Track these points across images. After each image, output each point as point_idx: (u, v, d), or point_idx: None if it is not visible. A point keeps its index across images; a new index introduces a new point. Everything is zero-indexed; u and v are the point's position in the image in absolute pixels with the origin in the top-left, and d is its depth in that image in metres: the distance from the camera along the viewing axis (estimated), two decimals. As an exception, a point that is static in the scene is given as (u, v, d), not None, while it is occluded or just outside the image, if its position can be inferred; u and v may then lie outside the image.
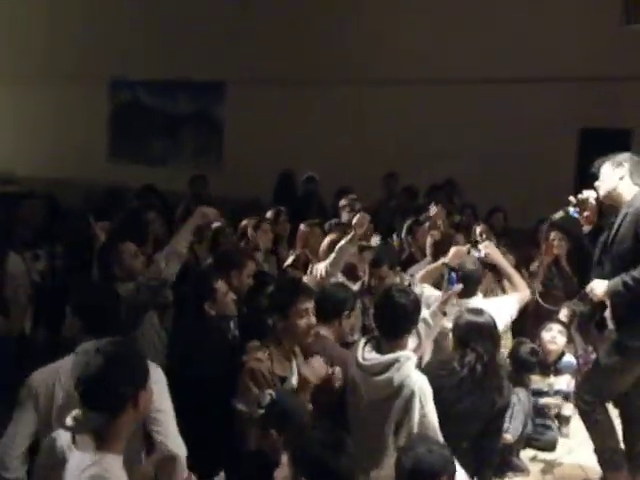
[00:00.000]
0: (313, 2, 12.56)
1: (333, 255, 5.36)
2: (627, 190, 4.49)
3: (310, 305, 3.98)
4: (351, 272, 5.74)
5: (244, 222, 6.76)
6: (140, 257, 4.77)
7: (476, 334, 4.31)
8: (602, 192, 4.60)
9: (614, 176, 4.50)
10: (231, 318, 4.75)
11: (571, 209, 4.89)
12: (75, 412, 2.49)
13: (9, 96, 16.77)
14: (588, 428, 4.79)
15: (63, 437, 2.55)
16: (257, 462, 3.37)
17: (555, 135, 10.05)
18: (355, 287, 5.60)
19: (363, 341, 4.06)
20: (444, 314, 4.26)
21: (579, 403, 4.81)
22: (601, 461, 4.77)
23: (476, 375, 4.24)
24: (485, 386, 4.29)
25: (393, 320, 3.97)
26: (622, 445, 4.77)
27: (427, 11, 11.34)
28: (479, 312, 4.44)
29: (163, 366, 3.46)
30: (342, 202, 8.06)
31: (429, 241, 6.56)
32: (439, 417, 3.86)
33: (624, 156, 4.54)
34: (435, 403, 3.87)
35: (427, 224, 6.96)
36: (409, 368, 3.83)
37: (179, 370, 3.90)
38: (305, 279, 5.70)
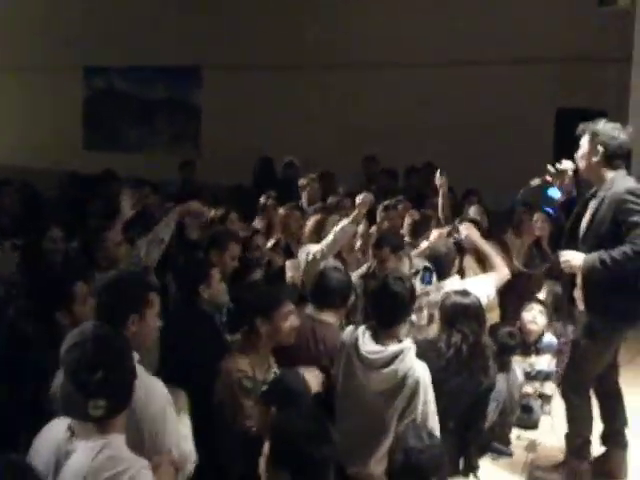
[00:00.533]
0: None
1: (331, 236, 5.34)
2: (605, 170, 4.45)
3: (292, 307, 3.92)
4: (338, 254, 5.70)
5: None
6: (123, 245, 4.75)
7: (462, 315, 4.36)
8: (581, 166, 4.56)
9: (594, 155, 4.45)
10: (223, 306, 4.72)
11: (550, 191, 4.90)
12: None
13: (-19, 85, 16.58)
14: (567, 411, 4.82)
15: (58, 429, 2.52)
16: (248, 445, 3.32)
17: (533, 116, 10.10)
18: (362, 269, 5.61)
19: (362, 329, 4.02)
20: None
21: (563, 392, 4.84)
22: (570, 446, 4.77)
23: (462, 356, 4.31)
24: (471, 366, 4.37)
25: (389, 309, 3.95)
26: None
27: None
28: (465, 293, 4.49)
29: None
30: (302, 181, 8.07)
31: (407, 221, 6.58)
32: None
33: (606, 134, 4.43)
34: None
35: (401, 206, 6.92)
36: (411, 358, 3.84)
37: (171, 358, 3.87)
38: (287, 264, 5.71)
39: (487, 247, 5.41)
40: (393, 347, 3.85)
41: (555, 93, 10.02)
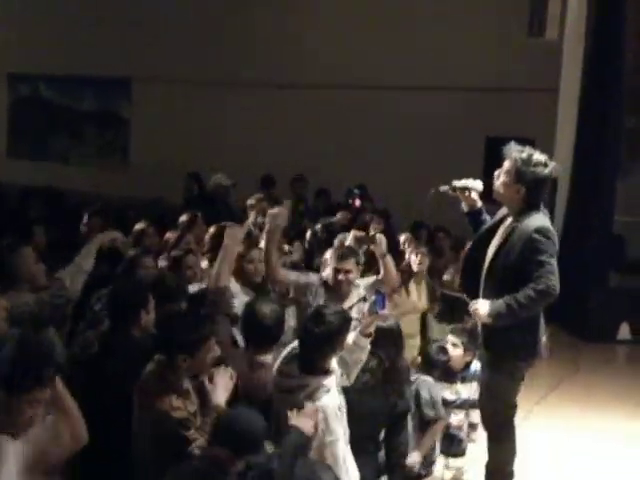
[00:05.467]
0: (220, 2, 12.41)
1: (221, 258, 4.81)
2: (518, 202, 4.40)
3: (214, 340, 3.70)
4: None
5: (169, 234, 6.43)
6: (41, 264, 4.56)
7: (380, 339, 4.35)
8: (497, 186, 4.43)
9: (513, 190, 4.36)
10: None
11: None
12: None
13: None
14: (488, 442, 4.76)
15: None
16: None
17: (462, 143, 10.24)
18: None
19: (286, 351, 3.97)
20: (369, 335, 4.14)
21: (485, 425, 4.84)
22: (490, 478, 4.72)
23: (377, 380, 4.44)
24: (386, 390, 4.53)
25: (309, 348, 3.84)
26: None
27: (339, 16, 11.42)
28: (385, 317, 4.45)
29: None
30: (250, 201, 7.89)
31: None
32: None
33: (529, 165, 4.32)
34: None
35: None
36: (319, 395, 3.74)
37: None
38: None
39: (389, 262, 5.34)
40: (302, 380, 3.77)
41: (484, 122, 10.19)
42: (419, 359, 5.94)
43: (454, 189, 4.70)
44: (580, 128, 9.74)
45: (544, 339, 4.57)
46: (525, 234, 4.30)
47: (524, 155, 4.35)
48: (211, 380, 3.73)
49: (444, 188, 4.74)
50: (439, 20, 10.54)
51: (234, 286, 5.09)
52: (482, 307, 4.34)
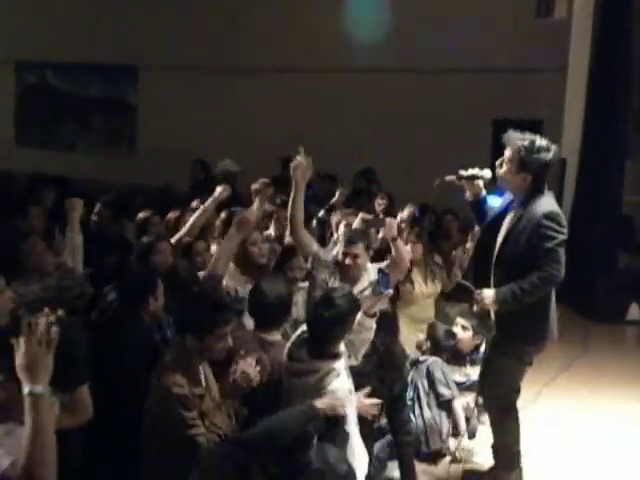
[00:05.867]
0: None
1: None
2: (524, 188, 4.41)
3: (228, 328, 3.69)
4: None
5: (170, 215, 6.36)
6: (49, 252, 4.58)
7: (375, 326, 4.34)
8: (502, 173, 4.42)
9: (518, 178, 4.37)
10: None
11: (489, 199, 4.85)
12: None
13: None
14: (492, 425, 4.85)
15: None
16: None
17: (469, 125, 10.19)
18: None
19: (296, 335, 3.97)
20: (374, 315, 4.13)
21: (486, 406, 4.87)
22: (497, 458, 4.83)
23: (372, 365, 4.41)
24: (381, 375, 4.51)
25: (318, 332, 3.84)
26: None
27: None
28: (389, 296, 4.38)
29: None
30: (255, 186, 7.86)
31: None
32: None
33: (532, 151, 4.30)
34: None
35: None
36: (330, 379, 3.76)
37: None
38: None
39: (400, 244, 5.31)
40: (315, 364, 3.78)
41: (492, 103, 10.13)
42: (428, 343, 5.95)
43: (460, 178, 4.70)
44: (588, 108, 9.69)
45: (555, 322, 4.58)
46: (534, 219, 4.31)
47: (526, 143, 4.32)
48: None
49: (450, 178, 4.72)
50: (445, 2, 10.46)
51: (235, 274, 5.15)
52: (487, 294, 4.41)
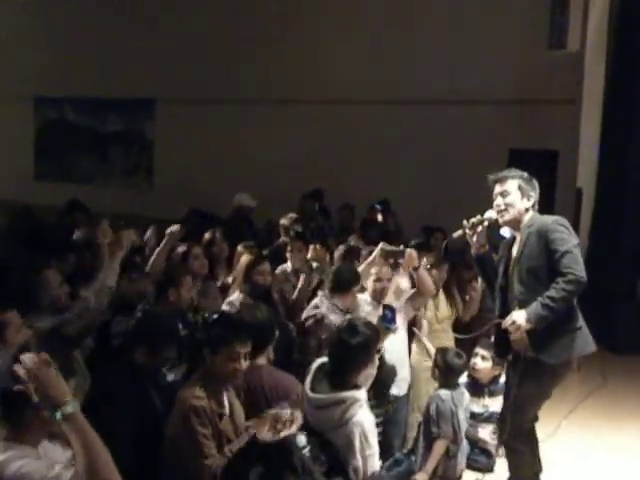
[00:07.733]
0: (242, 22, 12.53)
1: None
2: (525, 215, 4.59)
3: (246, 350, 3.75)
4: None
5: (179, 248, 6.39)
6: (65, 287, 4.59)
7: None
8: (508, 218, 4.60)
9: (522, 206, 4.57)
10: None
11: (502, 230, 4.92)
12: None
13: None
14: (509, 458, 4.82)
15: None
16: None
17: (485, 155, 10.19)
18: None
19: (315, 367, 3.94)
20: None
21: (507, 440, 4.82)
22: None
23: None
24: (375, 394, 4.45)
25: (343, 360, 3.81)
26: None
27: (354, 29, 11.44)
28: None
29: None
30: (283, 221, 7.98)
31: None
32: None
33: (528, 182, 4.62)
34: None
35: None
36: (355, 410, 3.70)
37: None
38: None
39: (423, 273, 5.37)
40: (336, 395, 3.72)
41: (507, 134, 10.16)
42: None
43: (471, 226, 4.76)
44: (603, 139, 9.69)
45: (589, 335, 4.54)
46: (544, 228, 4.43)
47: (520, 173, 4.65)
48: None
49: (458, 234, 4.80)
50: (459, 33, 10.53)
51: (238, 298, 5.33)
52: (518, 316, 4.38)
